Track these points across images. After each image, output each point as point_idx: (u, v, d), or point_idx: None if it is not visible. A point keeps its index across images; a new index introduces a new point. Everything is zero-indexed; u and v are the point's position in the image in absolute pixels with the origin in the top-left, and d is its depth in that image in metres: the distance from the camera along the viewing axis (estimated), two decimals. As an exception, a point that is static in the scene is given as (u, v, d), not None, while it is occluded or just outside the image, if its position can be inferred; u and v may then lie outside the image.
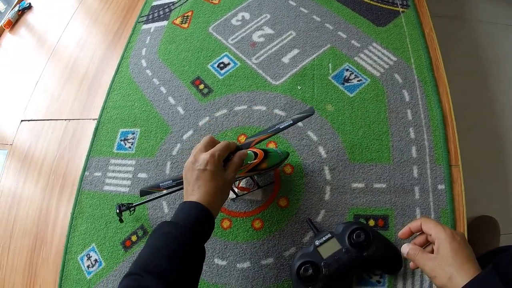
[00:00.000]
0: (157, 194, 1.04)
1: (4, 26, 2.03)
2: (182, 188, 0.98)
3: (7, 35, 2.01)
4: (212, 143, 0.85)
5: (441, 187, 0.95)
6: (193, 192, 0.79)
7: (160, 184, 0.97)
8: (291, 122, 0.93)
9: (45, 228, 1.25)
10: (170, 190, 0.99)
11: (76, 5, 1.90)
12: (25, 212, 1.31)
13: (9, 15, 2.05)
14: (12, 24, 2.04)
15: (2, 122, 1.59)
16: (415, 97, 1.10)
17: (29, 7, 2.10)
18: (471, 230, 0.92)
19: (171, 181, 0.96)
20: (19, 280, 1.20)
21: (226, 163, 0.86)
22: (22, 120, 1.53)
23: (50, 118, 1.49)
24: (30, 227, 1.27)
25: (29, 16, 2.03)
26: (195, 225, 0.74)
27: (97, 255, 1.11)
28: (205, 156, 0.80)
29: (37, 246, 1.23)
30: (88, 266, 1.10)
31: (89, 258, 1.12)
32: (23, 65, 1.76)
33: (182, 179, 0.94)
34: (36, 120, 1.51)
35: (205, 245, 0.84)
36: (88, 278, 1.09)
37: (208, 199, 0.77)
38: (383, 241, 0.86)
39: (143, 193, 1.00)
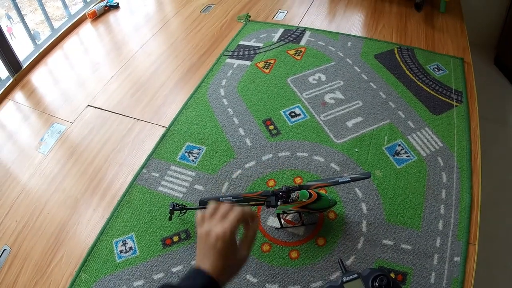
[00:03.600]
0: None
1: (88, 16, 2.24)
2: (240, 205, 1.21)
3: (87, 24, 2.24)
4: (229, 212, 0.83)
5: (457, 259, 1.16)
6: (203, 260, 0.79)
7: (221, 198, 1.15)
8: (349, 179, 1.16)
9: (86, 205, 1.38)
10: None
11: (160, 23, 2.20)
12: (69, 186, 1.44)
13: (96, 6, 2.27)
14: (96, 16, 2.26)
15: (68, 102, 1.79)
16: (451, 180, 1.34)
17: (116, 6, 2.34)
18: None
19: (231, 198, 1.15)
20: (42, 243, 1.30)
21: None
22: (88, 105, 1.75)
23: (119, 113, 1.70)
24: (71, 201, 1.40)
25: (112, 16, 2.29)
26: None
27: (134, 243, 1.27)
28: (217, 232, 0.79)
29: (72, 220, 1.34)
30: (121, 251, 1.23)
31: (124, 244, 1.26)
32: (101, 59, 2.00)
33: (242, 198, 1.16)
34: (103, 109, 1.72)
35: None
36: (118, 261, 1.21)
37: (218, 271, 0.78)
38: (400, 290, 1.07)
39: (202, 202, 1.18)
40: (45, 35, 2.13)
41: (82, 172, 1.49)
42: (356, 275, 1.03)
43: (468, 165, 1.37)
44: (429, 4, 2.18)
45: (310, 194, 1.15)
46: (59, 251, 1.28)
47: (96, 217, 1.36)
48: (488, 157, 1.83)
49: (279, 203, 1.15)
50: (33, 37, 2.03)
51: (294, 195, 1.14)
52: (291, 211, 1.24)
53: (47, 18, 2.10)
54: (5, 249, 1.30)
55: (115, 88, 1.82)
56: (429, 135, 1.48)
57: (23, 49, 1.98)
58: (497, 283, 1.64)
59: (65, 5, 2.21)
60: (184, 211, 1.28)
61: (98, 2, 2.33)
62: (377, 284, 0.99)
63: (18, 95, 1.86)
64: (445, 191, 1.32)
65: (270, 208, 1.17)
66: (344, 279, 1.03)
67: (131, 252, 1.24)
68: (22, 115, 1.75)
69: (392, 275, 1.14)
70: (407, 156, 1.42)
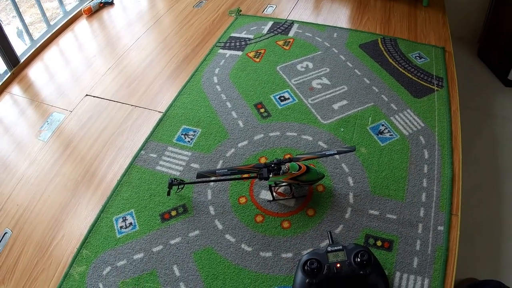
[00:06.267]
0: (209, 179, 1.26)
1: (84, 12, 2.30)
2: (234, 179, 1.30)
3: (83, 21, 2.30)
4: None
5: (440, 228, 1.23)
6: None
7: (217, 171, 1.21)
8: (336, 152, 1.25)
9: (86, 187, 1.43)
10: (223, 178, 1.25)
11: (154, 19, 2.26)
12: (69, 170, 1.49)
13: (92, 3, 2.33)
14: (91, 13, 2.32)
15: (66, 93, 1.84)
16: (432, 157, 1.41)
17: (111, 3, 2.40)
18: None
19: (226, 170, 1.21)
20: (43, 224, 1.34)
21: None
22: (87, 95, 1.80)
23: (117, 100, 1.76)
24: (71, 184, 1.44)
25: (106, 13, 2.35)
26: None
27: (134, 219, 1.33)
28: None
29: (72, 201, 1.39)
30: (121, 227, 1.29)
31: (124, 220, 1.32)
32: (96, 54, 2.06)
33: (237, 170, 1.22)
34: (102, 98, 1.78)
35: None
36: (118, 237, 1.27)
37: None
38: (379, 268, 1.09)
39: (199, 175, 1.23)
40: (36, 35, 2.17)
41: (82, 156, 1.54)
42: (340, 247, 1.10)
43: (449, 144, 1.45)
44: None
45: (300, 167, 1.22)
46: (60, 231, 1.32)
47: (96, 197, 1.40)
48: (470, 143, 1.92)
49: (270, 175, 1.21)
50: (29, 33, 2.08)
51: (284, 167, 1.20)
52: (282, 183, 1.31)
53: (43, 14, 2.15)
54: (6, 232, 1.34)
55: (112, 80, 1.87)
56: (411, 116, 1.56)
57: (15, 47, 2.01)
58: (479, 252, 1.70)
59: (61, 2, 2.26)
60: (182, 186, 1.33)
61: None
62: (358, 259, 1.06)
63: (16, 89, 1.90)
64: (427, 166, 1.39)
65: (263, 180, 1.24)
66: (329, 249, 1.10)
67: (131, 227, 1.29)
68: (21, 106, 1.79)
69: (379, 242, 1.21)
70: (390, 135, 1.50)
